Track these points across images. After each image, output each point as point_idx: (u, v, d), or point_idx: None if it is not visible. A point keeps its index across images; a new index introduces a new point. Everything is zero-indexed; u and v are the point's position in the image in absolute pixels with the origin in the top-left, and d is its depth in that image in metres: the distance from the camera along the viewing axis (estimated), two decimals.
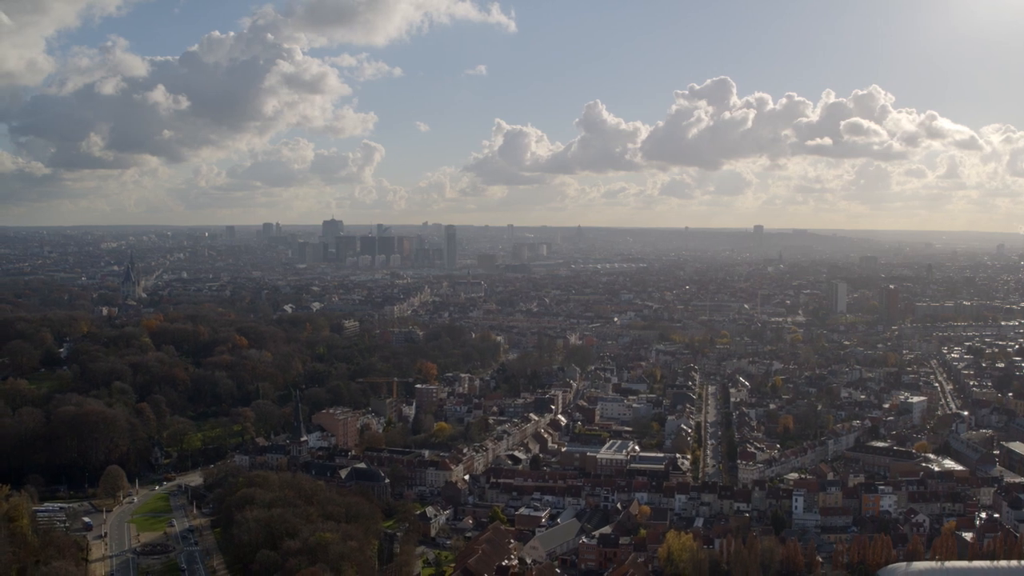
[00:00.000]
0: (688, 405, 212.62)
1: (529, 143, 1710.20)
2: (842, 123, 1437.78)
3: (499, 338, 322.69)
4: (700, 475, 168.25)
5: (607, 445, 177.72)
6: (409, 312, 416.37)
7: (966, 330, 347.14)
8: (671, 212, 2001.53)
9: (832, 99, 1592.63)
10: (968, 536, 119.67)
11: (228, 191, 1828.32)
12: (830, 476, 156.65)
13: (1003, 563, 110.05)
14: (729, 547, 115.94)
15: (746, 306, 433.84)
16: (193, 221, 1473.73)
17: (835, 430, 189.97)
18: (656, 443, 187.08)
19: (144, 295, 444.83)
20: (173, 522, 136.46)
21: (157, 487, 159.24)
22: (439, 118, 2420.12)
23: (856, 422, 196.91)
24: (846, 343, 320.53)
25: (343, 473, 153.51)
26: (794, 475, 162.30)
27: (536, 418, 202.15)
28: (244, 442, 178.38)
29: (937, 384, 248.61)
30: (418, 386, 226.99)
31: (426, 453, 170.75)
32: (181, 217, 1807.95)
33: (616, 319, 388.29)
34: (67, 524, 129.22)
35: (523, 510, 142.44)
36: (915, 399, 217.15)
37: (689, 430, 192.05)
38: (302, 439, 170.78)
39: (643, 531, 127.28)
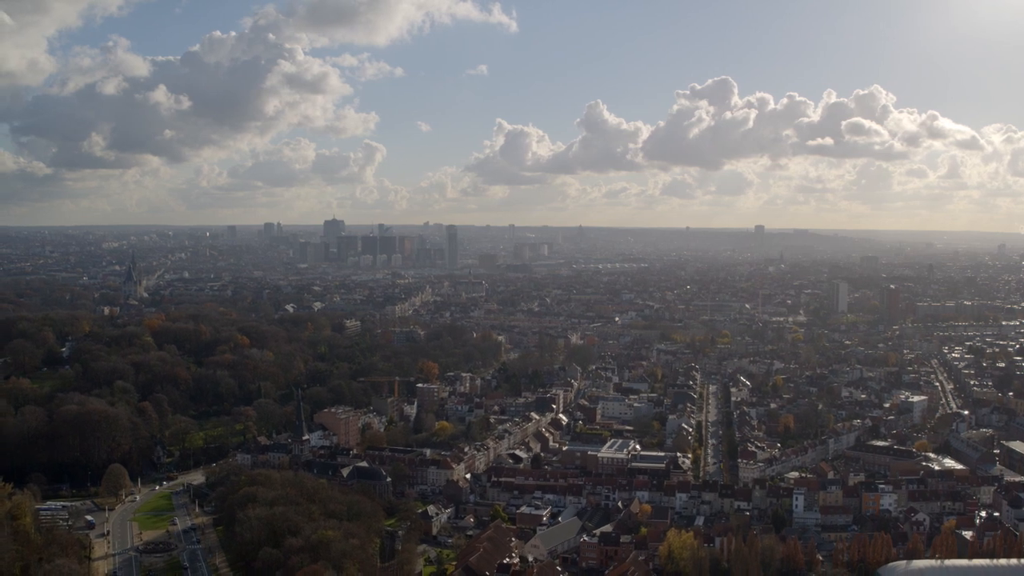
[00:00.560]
0: (689, 404, 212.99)
1: (530, 143, 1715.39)
2: (843, 123, 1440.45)
3: (500, 338, 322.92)
4: (701, 474, 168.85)
5: (608, 444, 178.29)
6: (410, 312, 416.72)
7: (967, 330, 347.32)
8: (672, 212, 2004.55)
9: (833, 99, 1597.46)
10: (968, 535, 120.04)
11: (229, 191, 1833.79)
12: (830, 475, 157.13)
13: (1003, 561, 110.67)
14: (730, 545, 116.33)
15: (747, 306, 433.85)
16: (194, 221, 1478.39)
17: (836, 429, 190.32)
18: (657, 442, 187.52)
19: (146, 295, 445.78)
20: (175, 520, 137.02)
21: (159, 486, 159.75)
22: (440, 118, 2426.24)
23: (857, 421, 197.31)
24: (847, 343, 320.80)
25: (345, 472, 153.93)
26: (795, 474, 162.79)
27: (537, 417, 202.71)
28: (246, 441, 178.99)
29: (938, 383, 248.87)
30: (419, 385, 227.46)
31: (427, 452, 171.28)
32: (182, 217, 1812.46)
33: (617, 319, 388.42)
34: (70, 522, 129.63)
35: (524, 509, 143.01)
36: (916, 398, 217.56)
37: (690, 429, 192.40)
38: (304, 438, 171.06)
39: (644, 529, 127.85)
